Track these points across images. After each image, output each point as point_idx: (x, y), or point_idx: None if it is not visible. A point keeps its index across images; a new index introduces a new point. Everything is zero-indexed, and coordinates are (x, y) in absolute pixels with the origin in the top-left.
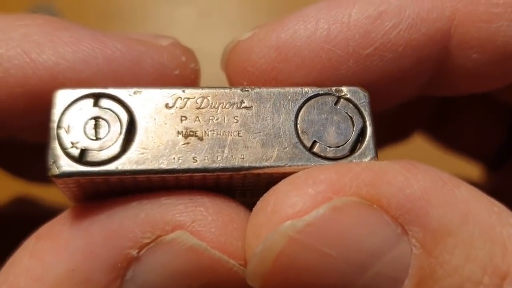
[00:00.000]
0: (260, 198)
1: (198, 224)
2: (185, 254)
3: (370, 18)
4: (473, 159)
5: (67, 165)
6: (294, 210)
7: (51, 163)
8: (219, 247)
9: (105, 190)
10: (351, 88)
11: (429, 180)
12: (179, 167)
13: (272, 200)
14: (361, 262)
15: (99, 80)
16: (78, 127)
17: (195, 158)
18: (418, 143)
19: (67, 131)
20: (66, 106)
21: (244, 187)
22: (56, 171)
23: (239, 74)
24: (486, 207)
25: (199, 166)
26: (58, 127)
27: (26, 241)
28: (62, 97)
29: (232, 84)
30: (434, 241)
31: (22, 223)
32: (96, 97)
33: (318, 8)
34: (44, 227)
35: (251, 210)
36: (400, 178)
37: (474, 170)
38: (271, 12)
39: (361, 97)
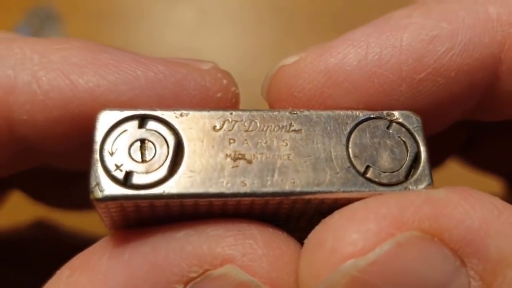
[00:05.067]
0: (313, 232)
1: (248, 258)
2: None
3: (423, 42)
4: (498, 177)
5: (111, 188)
6: (356, 249)
7: (94, 185)
8: (271, 283)
9: (148, 217)
10: (403, 112)
11: (486, 210)
12: (228, 191)
13: (330, 237)
14: None
15: (141, 103)
16: (123, 149)
17: (244, 182)
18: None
19: (111, 153)
20: (110, 127)
21: (290, 214)
22: (99, 194)
23: (284, 99)
24: None
25: (248, 190)
26: (101, 149)
27: (59, 272)
28: (105, 118)
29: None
30: (494, 273)
31: (41, 246)
32: (142, 119)
33: (367, 33)
34: (79, 257)
35: (295, 236)
36: (460, 209)
37: (498, 186)
38: (273, 11)
39: (413, 121)
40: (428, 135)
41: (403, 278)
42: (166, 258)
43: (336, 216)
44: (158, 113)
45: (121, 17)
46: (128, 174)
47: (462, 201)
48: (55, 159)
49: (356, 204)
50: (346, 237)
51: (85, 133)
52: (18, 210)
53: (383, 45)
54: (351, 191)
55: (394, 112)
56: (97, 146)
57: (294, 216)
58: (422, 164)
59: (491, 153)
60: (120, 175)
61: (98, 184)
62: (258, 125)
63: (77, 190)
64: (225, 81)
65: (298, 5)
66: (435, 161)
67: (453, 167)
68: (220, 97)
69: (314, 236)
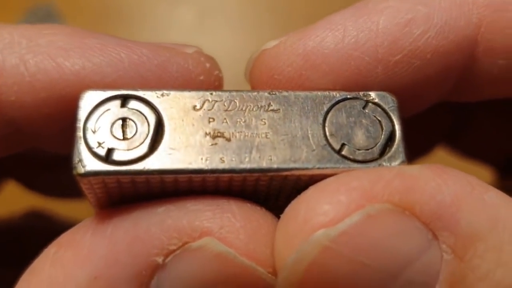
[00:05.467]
0: (289, 206)
1: (226, 230)
2: (212, 261)
3: (398, 25)
4: (486, 165)
5: (92, 164)
6: (327, 219)
7: (77, 161)
8: (248, 254)
9: (130, 194)
10: (379, 93)
11: (459, 186)
12: (206, 167)
13: (303, 209)
14: (393, 269)
15: (125, 84)
16: (105, 127)
17: (222, 159)
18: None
19: (94, 131)
20: (93, 106)
21: (268, 192)
22: (81, 170)
23: (265, 82)
24: None
25: (226, 167)
26: (85, 127)
27: (46, 250)
28: (89, 98)
29: None
30: (465, 246)
31: (35, 236)
32: (124, 99)
33: (345, 17)
34: (65, 235)
35: (275, 215)
36: (432, 184)
37: (486, 175)
38: (272, 12)
39: (389, 101)
40: (405, 116)
41: (374, 249)
42: (147, 232)
43: (310, 190)
44: (139, 93)
45: (120, 17)
46: (110, 151)
47: (435, 177)
48: (44, 142)
49: (329, 179)
50: (317, 208)
51: (72, 115)
52: (12, 200)
53: (360, 28)
54: (326, 168)
55: (370, 93)
56: (80, 124)
57: (273, 194)
58: (396, 142)
59: (479, 141)
60: (102, 151)
61: (80, 160)
62: (238, 104)
63: (68, 176)
64: (208, 65)
65: (296, 6)
66: (422, 149)
67: (441, 155)
68: (203, 80)
69: (289, 209)
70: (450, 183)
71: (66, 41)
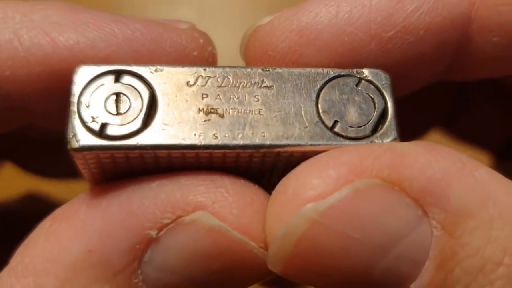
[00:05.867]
0: (280, 181)
1: (219, 205)
2: (205, 235)
3: (392, 1)
4: (484, 150)
5: (86, 138)
6: (316, 193)
7: (71, 136)
8: (240, 228)
9: (124, 170)
10: (372, 70)
11: (450, 162)
12: (199, 143)
13: (293, 183)
14: (382, 244)
15: (119, 59)
16: (99, 102)
17: (215, 135)
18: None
19: (88, 106)
20: (87, 81)
21: (262, 169)
22: (75, 144)
23: (259, 58)
24: (505, 188)
25: (219, 143)
26: (79, 101)
27: (41, 224)
28: (83, 72)
29: None
30: (455, 222)
31: (33, 220)
32: (118, 74)
33: None
34: (60, 209)
35: (269, 193)
36: (422, 160)
37: (483, 159)
38: (271, 12)
39: (382, 79)
40: (400, 96)
41: (363, 224)
42: (141, 206)
43: (301, 166)
44: (133, 68)
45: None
46: (104, 126)
47: (425, 153)
48: (39, 118)
49: (320, 154)
50: (306, 183)
51: (66, 90)
52: (9, 183)
53: (353, 4)
54: (319, 144)
55: (363, 70)
56: (74, 99)
57: (266, 171)
58: (389, 119)
59: (476, 125)
60: (95, 126)
61: (74, 135)
62: (231, 81)
63: (64, 157)
64: (201, 40)
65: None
66: (417, 131)
67: (437, 139)
68: (197, 56)
69: (280, 184)
70: (440, 160)
71: (60, 16)
